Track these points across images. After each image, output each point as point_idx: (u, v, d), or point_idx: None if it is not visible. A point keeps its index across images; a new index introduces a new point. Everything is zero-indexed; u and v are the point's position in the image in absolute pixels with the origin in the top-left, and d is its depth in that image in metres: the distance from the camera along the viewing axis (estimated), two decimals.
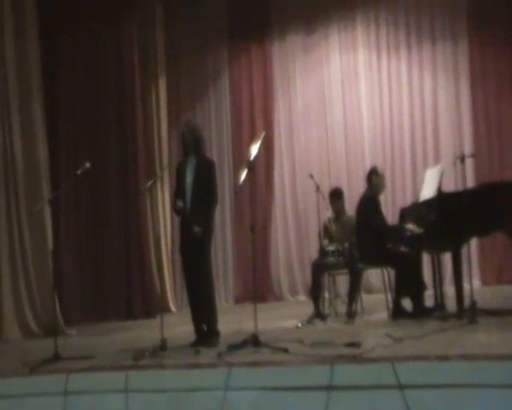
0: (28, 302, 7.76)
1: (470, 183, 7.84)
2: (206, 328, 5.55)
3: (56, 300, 7.12)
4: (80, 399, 4.52)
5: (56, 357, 5.18)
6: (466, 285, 5.59)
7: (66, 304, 8.31)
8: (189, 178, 5.61)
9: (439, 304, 6.20)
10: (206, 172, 5.59)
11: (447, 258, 6.68)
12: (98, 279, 9.31)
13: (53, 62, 9.18)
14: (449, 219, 5.63)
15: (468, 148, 8.88)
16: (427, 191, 6.13)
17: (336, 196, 7.31)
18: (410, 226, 6.19)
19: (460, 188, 6.05)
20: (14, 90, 7.92)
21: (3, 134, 7.85)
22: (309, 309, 6.88)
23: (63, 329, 7.52)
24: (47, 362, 5.07)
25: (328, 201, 7.38)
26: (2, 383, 4.82)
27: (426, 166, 8.67)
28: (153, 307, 8.93)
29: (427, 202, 5.99)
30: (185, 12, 10.47)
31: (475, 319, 5.24)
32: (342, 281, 7.60)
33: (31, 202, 7.78)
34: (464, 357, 3.90)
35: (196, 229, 5.38)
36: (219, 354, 4.63)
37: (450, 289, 6.16)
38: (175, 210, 5.73)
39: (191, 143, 5.67)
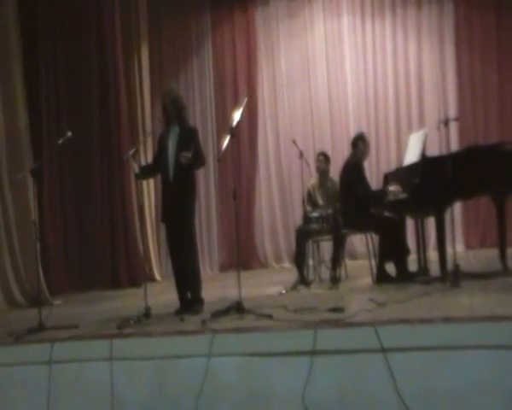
0: (13, 273, 7.74)
1: (454, 147, 7.81)
2: (190, 295, 5.54)
3: (41, 270, 7.13)
4: (65, 367, 4.53)
5: (41, 327, 5.16)
6: (449, 249, 5.63)
7: (50, 274, 8.32)
8: (171, 146, 5.54)
9: (423, 268, 6.23)
10: (189, 139, 5.51)
11: (431, 222, 6.70)
12: (83, 249, 9.29)
13: (33, 27, 9.02)
14: (433, 183, 5.63)
15: (452, 112, 8.85)
16: (411, 156, 6.12)
17: (324, 157, 7.36)
18: (393, 188, 6.17)
19: (444, 152, 6.02)
20: None
21: None
22: (293, 276, 6.89)
23: (48, 299, 7.49)
24: (32, 332, 5.06)
25: (312, 167, 7.36)
26: None
27: (410, 130, 8.65)
28: (137, 275, 8.92)
29: (411, 167, 5.98)
30: None
31: (458, 283, 5.25)
32: (326, 247, 7.61)
33: (13, 172, 7.70)
34: (447, 320, 3.92)
35: (184, 155, 5.25)
36: (203, 321, 4.62)
37: (433, 254, 6.19)
38: (135, 174, 5.76)
39: (173, 112, 5.58)
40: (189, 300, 5.52)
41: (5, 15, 7.92)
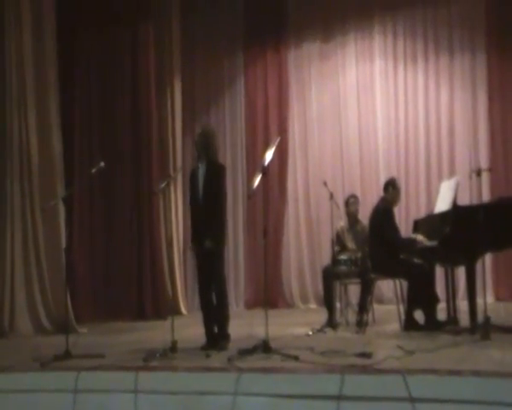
0: (41, 298, 7.79)
1: (486, 197, 7.79)
2: (216, 330, 5.58)
3: (68, 297, 7.15)
4: (90, 397, 4.52)
5: (67, 354, 5.21)
6: (479, 300, 5.57)
7: (77, 302, 8.39)
8: (200, 183, 5.69)
9: (452, 318, 6.16)
10: (215, 176, 5.66)
11: (461, 272, 6.65)
12: (110, 278, 9.34)
13: (70, 60, 9.28)
14: (464, 232, 5.60)
15: (483, 161, 8.84)
16: (442, 204, 6.12)
17: (353, 198, 7.41)
18: (420, 237, 6.18)
19: (475, 202, 6.01)
20: (32, 88, 7.99)
21: (20, 130, 7.90)
22: (319, 317, 6.89)
23: (74, 326, 7.54)
24: (58, 359, 5.11)
25: (342, 209, 7.38)
26: (14, 378, 4.84)
27: (440, 178, 8.64)
28: (164, 308, 8.95)
29: (442, 215, 5.97)
30: (202, 14, 10.53)
31: (488, 335, 5.20)
32: (354, 290, 7.57)
33: (45, 199, 7.81)
34: (476, 373, 3.88)
35: (207, 244, 5.48)
36: (229, 359, 4.63)
37: (463, 304, 6.12)
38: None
39: (202, 149, 5.75)
40: (216, 335, 5.54)
41: (44, 46, 8.11)
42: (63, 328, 6.45)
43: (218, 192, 5.64)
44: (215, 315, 5.62)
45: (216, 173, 5.68)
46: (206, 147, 5.75)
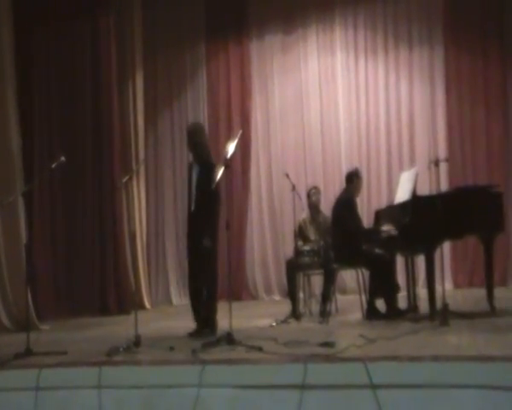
0: (1, 297, 7.68)
1: (444, 186, 7.92)
2: (204, 320, 5.77)
3: (29, 294, 7.04)
4: (52, 394, 4.48)
5: (28, 352, 5.14)
6: (438, 288, 5.68)
7: (39, 299, 8.26)
8: (194, 182, 5.88)
9: (412, 306, 6.26)
10: (207, 177, 5.72)
11: (420, 260, 6.76)
12: (72, 275, 9.26)
13: (27, 51, 9.11)
14: (423, 222, 5.71)
15: (442, 152, 8.97)
16: (402, 194, 6.20)
17: (314, 189, 7.47)
18: (386, 227, 6.26)
19: (434, 191, 6.11)
20: None
21: None
22: (284, 308, 6.92)
23: (36, 324, 7.46)
24: (19, 357, 5.03)
25: (304, 201, 7.43)
26: None
27: (401, 168, 8.78)
28: (127, 303, 8.90)
29: (402, 205, 6.06)
30: (164, 6, 10.46)
31: (447, 322, 5.31)
32: (317, 281, 7.63)
33: (3, 194, 7.67)
34: (436, 358, 3.96)
35: (205, 242, 5.66)
36: (193, 351, 4.63)
37: (422, 292, 6.24)
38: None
39: (190, 148, 5.95)
40: (203, 323, 5.76)
41: (1, 41, 8.00)
42: (24, 326, 6.36)
43: (210, 192, 5.65)
44: (205, 306, 5.78)
45: (207, 174, 5.73)
46: (193, 146, 5.89)
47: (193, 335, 5.65)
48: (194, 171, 5.88)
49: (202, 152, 5.92)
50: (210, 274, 5.82)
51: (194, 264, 5.91)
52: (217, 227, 5.85)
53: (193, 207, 5.86)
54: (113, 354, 4.81)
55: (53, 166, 5.79)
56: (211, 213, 5.76)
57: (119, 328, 6.93)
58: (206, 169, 5.79)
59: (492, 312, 5.87)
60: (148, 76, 10.36)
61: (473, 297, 6.73)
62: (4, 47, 7.99)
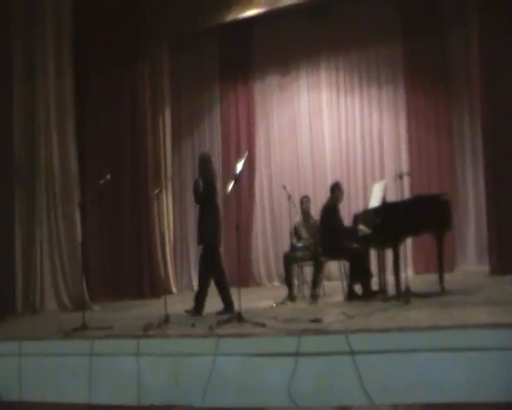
0: (63, 283, 7.80)
1: (406, 195, 7.91)
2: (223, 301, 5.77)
3: (84, 281, 7.14)
4: (102, 360, 4.55)
5: (84, 326, 5.21)
6: (402, 274, 5.67)
7: (91, 285, 8.32)
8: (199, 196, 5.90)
9: (383, 289, 6.23)
10: (208, 194, 5.84)
11: (389, 253, 6.73)
12: (116, 266, 9.28)
13: (83, 95, 9.21)
14: (390, 223, 5.69)
15: (405, 168, 8.89)
16: (374, 201, 6.19)
17: (305, 198, 7.47)
18: (362, 227, 6.26)
19: (399, 199, 6.11)
20: (54, 118, 8.02)
21: (45, 151, 7.94)
22: (282, 292, 6.90)
23: (89, 304, 7.51)
24: (77, 330, 5.11)
25: (297, 207, 7.43)
26: (43, 345, 4.88)
27: (373, 180, 8.72)
28: (158, 288, 8.90)
29: (375, 210, 6.04)
30: (186, 57, 10.50)
31: (409, 300, 5.31)
32: (308, 270, 7.62)
33: (65, 205, 7.86)
34: (400, 329, 3.98)
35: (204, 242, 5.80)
36: (210, 327, 4.62)
37: (390, 278, 6.22)
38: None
39: (200, 171, 5.97)
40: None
41: (63, 83, 8.10)
42: (80, 306, 6.46)
43: (209, 205, 5.78)
44: (220, 293, 5.78)
45: (208, 192, 5.81)
46: (201, 170, 5.91)
47: (189, 312, 5.75)
48: (199, 187, 5.84)
49: (208, 176, 5.90)
50: (218, 270, 5.78)
51: (203, 260, 5.87)
52: (216, 232, 5.82)
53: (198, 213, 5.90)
54: (147, 329, 4.84)
55: (101, 182, 5.83)
56: (212, 221, 5.77)
57: (152, 309, 6.93)
58: (208, 189, 5.82)
59: (443, 292, 5.86)
60: (174, 110, 10.39)
61: (428, 281, 6.70)
62: (67, 87, 8.11)
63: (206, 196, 5.76)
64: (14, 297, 7.52)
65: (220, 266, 5.85)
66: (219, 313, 5.60)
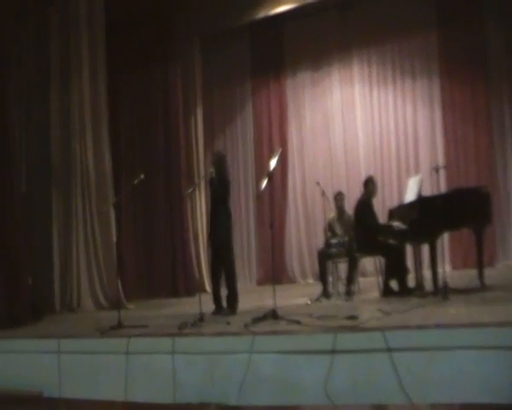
0: (99, 282, 7.90)
1: (443, 189, 7.75)
2: (227, 300, 5.71)
3: (119, 280, 7.22)
4: (138, 358, 4.59)
5: (120, 325, 5.26)
6: (440, 270, 5.56)
7: (126, 284, 8.42)
8: (213, 192, 5.89)
9: (419, 285, 6.14)
10: (222, 191, 5.80)
11: (425, 248, 6.61)
12: (150, 266, 9.40)
13: (117, 96, 9.36)
14: (427, 217, 5.59)
15: (441, 161, 8.76)
16: (410, 195, 6.09)
17: (339, 195, 7.34)
18: (396, 223, 6.16)
19: (435, 193, 5.98)
20: (89, 120, 8.13)
21: (80, 152, 8.04)
22: (316, 289, 6.87)
23: (124, 303, 7.60)
24: (113, 328, 5.16)
25: (331, 203, 7.37)
26: (80, 343, 4.95)
27: (408, 175, 8.59)
28: (193, 287, 8.98)
29: (410, 204, 5.95)
30: (217, 55, 10.56)
31: (447, 296, 5.20)
32: (343, 267, 7.55)
33: (100, 205, 7.94)
34: (438, 326, 3.89)
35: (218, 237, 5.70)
36: (246, 325, 4.61)
37: (427, 273, 6.10)
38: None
39: (215, 169, 5.83)
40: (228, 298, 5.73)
41: (98, 86, 8.25)
42: (116, 305, 6.55)
43: (223, 202, 5.73)
44: (228, 291, 5.72)
45: (223, 189, 5.77)
46: (217, 168, 5.83)
47: (214, 313, 5.61)
48: (214, 184, 5.80)
49: (223, 174, 5.85)
50: (229, 265, 5.73)
51: (214, 257, 5.80)
52: (230, 225, 5.80)
53: (210, 210, 5.87)
54: (183, 328, 4.85)
55: (135, 182, 5.87)
56: (225, 218, 5.73)
57: (186, 307, 6.97)
58: (223, 187, 5.77)
59: (483, 287, 5.72)
60: (206, 108, 10.45)
61: (467, 276, 6.54)
62: (101, 90, 8.23)
63: (225, 194, 5.76)
64: (53, 296, 7.68)
65: (234, 266, 5.85)
66: (214, 313, 5.62)
